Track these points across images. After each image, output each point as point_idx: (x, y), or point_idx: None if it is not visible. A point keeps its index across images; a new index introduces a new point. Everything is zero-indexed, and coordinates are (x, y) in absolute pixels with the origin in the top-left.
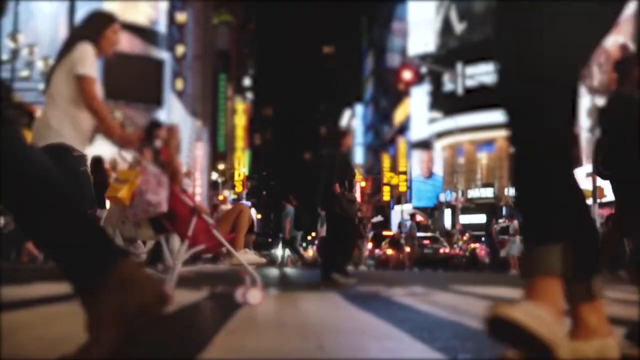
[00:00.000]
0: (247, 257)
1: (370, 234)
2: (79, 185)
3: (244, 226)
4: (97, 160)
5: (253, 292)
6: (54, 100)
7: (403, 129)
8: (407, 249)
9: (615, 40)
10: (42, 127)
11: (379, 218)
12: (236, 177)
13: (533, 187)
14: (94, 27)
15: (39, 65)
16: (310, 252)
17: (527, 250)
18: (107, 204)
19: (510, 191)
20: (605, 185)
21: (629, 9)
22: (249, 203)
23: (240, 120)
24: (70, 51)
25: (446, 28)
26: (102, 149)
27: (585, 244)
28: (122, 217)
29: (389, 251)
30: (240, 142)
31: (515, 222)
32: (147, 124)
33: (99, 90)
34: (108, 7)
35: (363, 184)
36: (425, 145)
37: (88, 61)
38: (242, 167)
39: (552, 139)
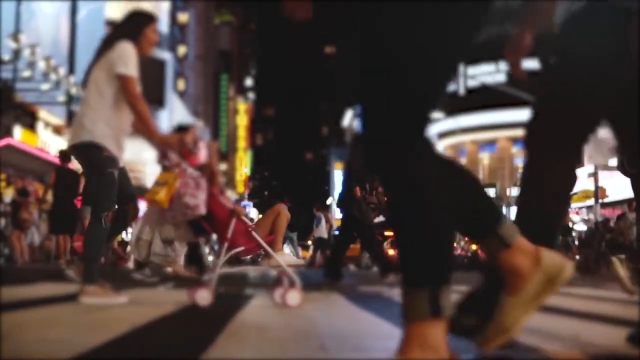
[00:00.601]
0: (285, 258)
1: None
2: (100, 187)
3: (283, 228)
4: None
5: (292, 293)
6: (90, 98)
7: None
8: None
9: None
10: (76, 125)
11: (380, 218)
12: (238, 178)
13: (401, 232)
14: (134, 26)
15: (41, 65)
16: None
17: (402, 294)
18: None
19: (513, 191)
20: (607, 185)
21: None
22: (250, 203)
23: (242, 121)
24: (109, 49)
25: None
26: None
27: (474, 200)
28: (160, 219)
29: (391, 251)
30: (242, 142)
31: None
32: (174, 127)
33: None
34: (110, 7)
35: None
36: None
37: (130, 60)
38: (243, 167)
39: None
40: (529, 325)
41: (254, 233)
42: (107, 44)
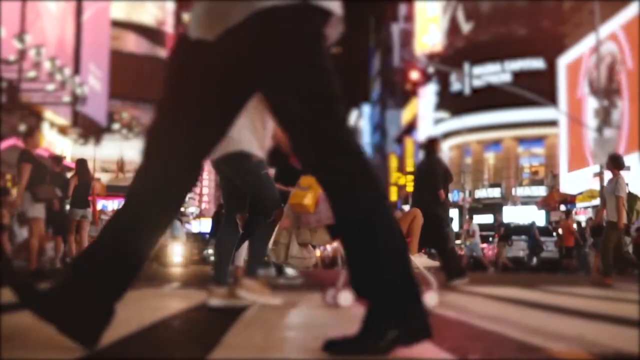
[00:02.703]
0: (422, 260)
1: None
2: (262, 189)
3: (418, 231)
4: (82, 162)
5: (430, 294)
6: None
7: (410, 128)
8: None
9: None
10: None
11: None
12: None
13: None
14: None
15: (46, 66)
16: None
17: None
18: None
19: (518, 191)
20: None
21: (631, 10)
22: None
23: None
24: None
25: (453, 28)
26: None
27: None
28: (298, 223)
29: None
30: None
31: (475, 223)
32: None
33: None
34: (116, 7)
35: None
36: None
37: None
38: None
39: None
40: (533, 325)
41: None
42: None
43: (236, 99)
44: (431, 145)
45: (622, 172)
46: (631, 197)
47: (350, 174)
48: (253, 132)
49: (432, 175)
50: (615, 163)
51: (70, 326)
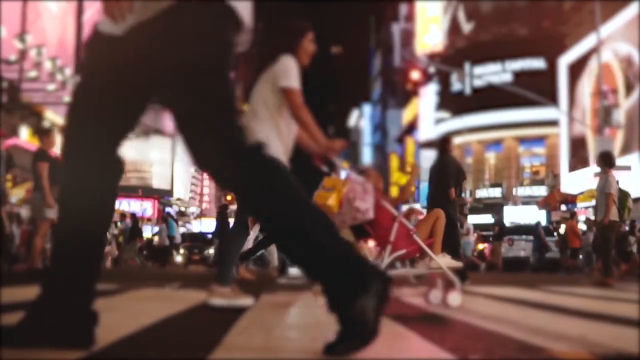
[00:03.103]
0: (446, 261)
1: None
2: None
3: (441, 231)
4: None
5: (454, 294)
6: (258, 113)
7: (411, 128)
8: None
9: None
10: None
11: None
12: None
13: None
14: (291, 39)
15: (47, 66)
16: None
17: None
18: None
19: (518, 191)
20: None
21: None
22: None
23: None
24: (271, 64)
25: (454, 28)
26: None
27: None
28: None
29: None
30: None
31: (470, 223)
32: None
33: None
34: None
35: None
36: (433, 145)
37: (292, 73)
38: None
39: None
40: (534, 325)
41: (415, 236)
42: (267, 59)
43: (142, 93)
44: (444, 144)
45: (621, 172)
46: (622, 194)
47: (246, 172)
48: (279, 137)
49: (444, 174)
50: (606, 161)
51: (62, 335)
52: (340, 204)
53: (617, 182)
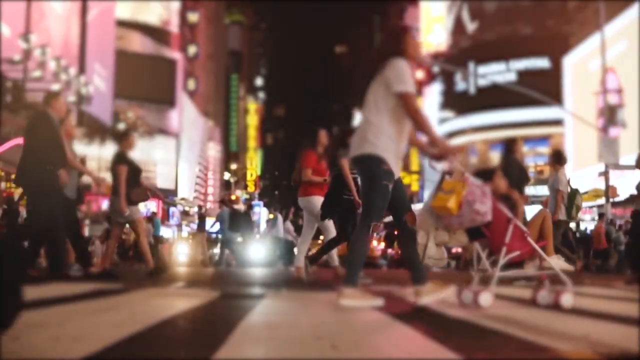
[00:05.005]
0: (558, 263)
1: (383, 233)
2: (374, 197)
3: (550, 231)
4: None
5: (566, 295)
6: (370, 114)
7: None
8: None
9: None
10: (359, 138)
11: (390, 218)
12: (248, 177)
13: None
14: (397, 41)
15: (51, 65)
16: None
17: None
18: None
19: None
20: (618, 184)
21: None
22: (260, 203)
23: (252, 120)
24: (383, 68)
25: (458, 27)
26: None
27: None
28: (438, 224)
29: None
30: (252, 141)
31: None
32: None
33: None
34: (121, 7)
35: None
36: None
37: (405, 77)
38: (254, 166)
39: None
40: (539, 325)
41: (529, 238)
42: (379, 63)
43: None
44: (510, 145)
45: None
46: (572, 192)
47: None
48: (391, 141)
49: (507, 174)
50: (557, 158)
51: None
52: (460, 206)
53: (568, 180)
